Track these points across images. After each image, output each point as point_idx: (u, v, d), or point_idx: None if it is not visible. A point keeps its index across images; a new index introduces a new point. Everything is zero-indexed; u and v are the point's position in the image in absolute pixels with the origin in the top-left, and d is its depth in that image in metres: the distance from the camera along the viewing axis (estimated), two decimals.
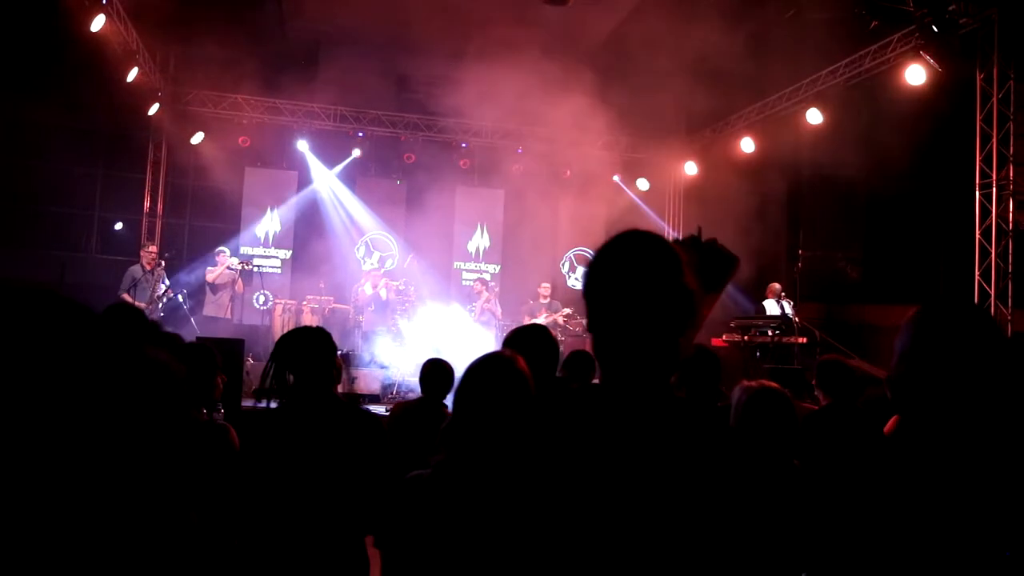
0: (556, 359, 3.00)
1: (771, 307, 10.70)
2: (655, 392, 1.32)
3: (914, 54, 8.96)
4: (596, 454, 1.28)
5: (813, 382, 4.25)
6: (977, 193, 8.90)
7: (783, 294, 10.79)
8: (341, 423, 2.88)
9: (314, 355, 2.91)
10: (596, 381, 1.43)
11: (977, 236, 8.89)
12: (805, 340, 10.05)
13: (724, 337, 10.41)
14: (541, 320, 11.74)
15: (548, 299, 12.13)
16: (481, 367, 2.17)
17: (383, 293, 11.63)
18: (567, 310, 11.88)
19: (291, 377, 2.88)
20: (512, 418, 2.05)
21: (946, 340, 1.67)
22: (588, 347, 4.68)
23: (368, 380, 10.01)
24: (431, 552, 2.03)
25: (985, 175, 8.84)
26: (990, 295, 8.67)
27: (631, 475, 1.24)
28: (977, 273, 8.87)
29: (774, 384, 2.72)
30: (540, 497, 1.29)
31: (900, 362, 1.72)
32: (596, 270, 1.40)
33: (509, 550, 1.30)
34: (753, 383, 2.72)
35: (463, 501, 2.02)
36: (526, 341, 2.97)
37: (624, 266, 1.36)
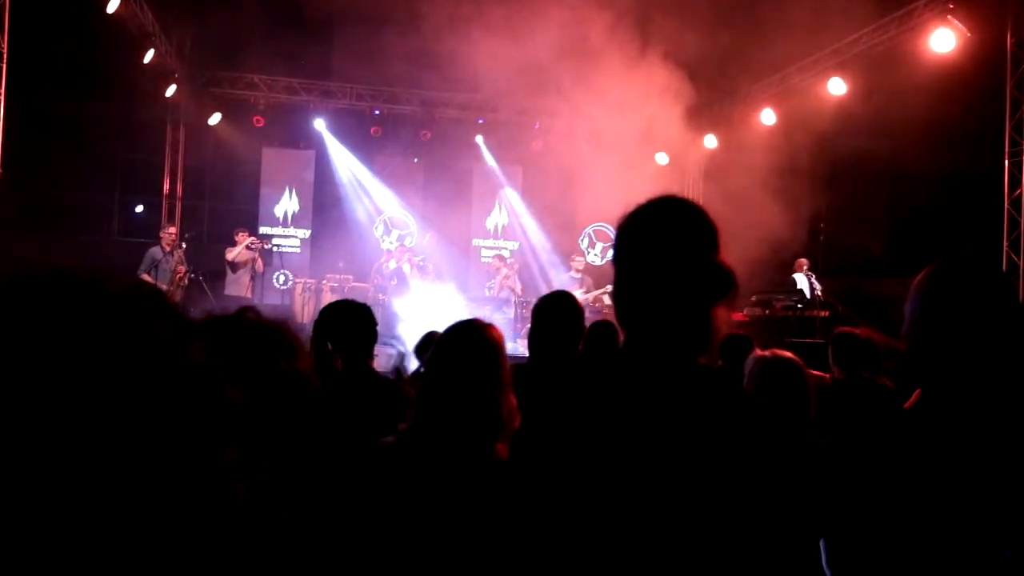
0: (580, 329, 2.98)
1: (801, 281, 10.61)
2: (677, 361, 1.26)
3: (941, 19, 8.72)
4: (610, 423, 1.23)
5: (832, 359, 4.17)
6: (1007, 161, 8.71)
7: (804, 267, 10.69)
8: (382, 398, 2.85)
9: (355, 329, 2.90)
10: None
11: (1006, 206, 8.71)
12: (828, 314, 9.94)
13: (745, 311, 10.32)
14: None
15: (581, 274, 12.04)
16: (452, 335, 2.14)
17: (406, 268, 11.66)
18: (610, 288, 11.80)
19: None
20: (483, 386, 2.05)
21: (958, 302, 1.56)
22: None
23: (388, 357, 10.04)
24: (394, 520, 2.01)
25: (1015, 143, 8.63)
26: (1019, 266, 8.50)
27: (647, 444, 1.20)
28: (1005, 243, 8.69)
29: (788, 353, 2.66)
30: (547, 466, 1.26)
31: (911, 329, 1.62)
32: (627, 235, 1.33)
33: (496, 523, 1.27)
34: (766, 353, 2.67)
35: (428, 470, 1.99)
36: (553, 308, 2.97)
37: (657, 233, 1.29)
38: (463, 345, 2.11)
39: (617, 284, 1.34)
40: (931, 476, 1.50)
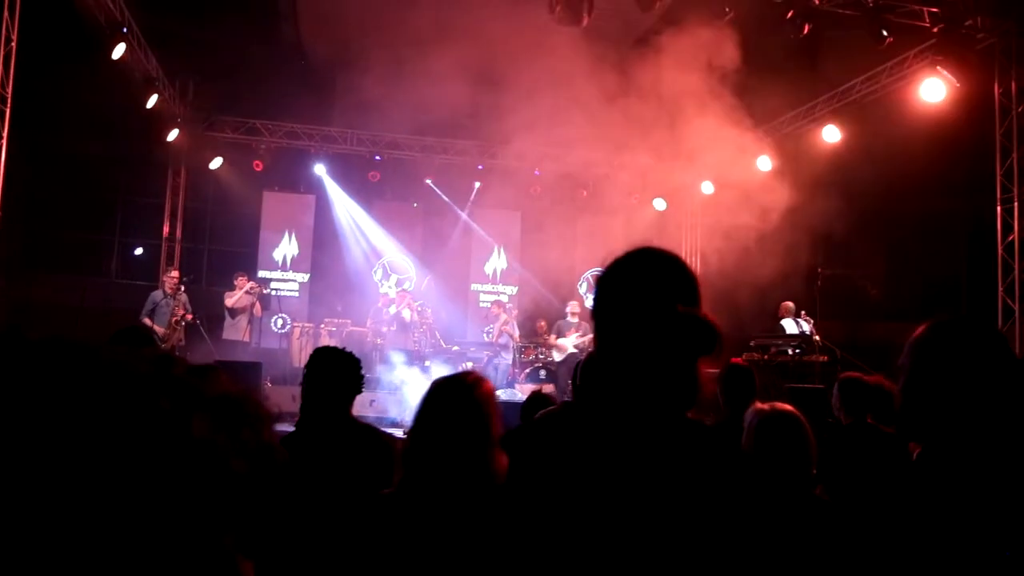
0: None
1: (789, 326, 10.58)
2: (662, 416, 1.23)
3: (931, 70, 8.90)
4: (592, 478, 1.20)
5: (837, 403, 4.15)
6: (999, 208, 8.79)
7: (802, 312, 10.67)
8: (357, 445, 2.85)
9: (335, 377, 2.91)
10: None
11: (999, 251, 8.77)
12: (827, 358, 9.92)
13: (744, 356, 10.28)
14: (570, 340, 11.60)
15: (577, 319, 12.03)
16: (439, 389, 2.13)
17: (406, 314, 11.62)
18: None
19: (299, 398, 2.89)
20: (468, 442, 2.03)
21: (953, 361, 1.56)
22: None
23: (386, 403, 9.98)
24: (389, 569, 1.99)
25: (1006, 189, 8.73)
26: (1015, 311, 8.53)
27: (629, 500, 1.16)
28: (1000, 289, 8.73)
29: (787, 407, 2.61)
30: (527, 520, 1.23)
31: (906, 385, 1.62)
32: (605, 288, 1.32)
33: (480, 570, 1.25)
34: (765, 406, 2.61)
35: (419, 522, 1.97)
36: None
37: (635, 285, 1.27)
38: (451, 399, 2.08)
39: (598, 337, 1.31)
40: (931, 537, 1.49)
